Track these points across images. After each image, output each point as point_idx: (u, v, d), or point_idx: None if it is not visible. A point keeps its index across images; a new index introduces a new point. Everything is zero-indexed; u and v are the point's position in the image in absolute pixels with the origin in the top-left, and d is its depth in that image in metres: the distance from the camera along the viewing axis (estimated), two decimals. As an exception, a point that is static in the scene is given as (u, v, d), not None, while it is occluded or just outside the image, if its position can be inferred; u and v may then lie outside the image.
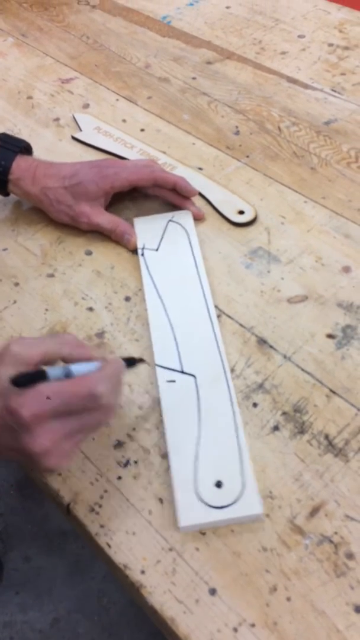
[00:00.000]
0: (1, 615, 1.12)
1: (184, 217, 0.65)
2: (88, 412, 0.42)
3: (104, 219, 0.63)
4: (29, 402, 0.39)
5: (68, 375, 0.42)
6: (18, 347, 0.42)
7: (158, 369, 0.52)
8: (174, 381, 0.51)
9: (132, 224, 0.64)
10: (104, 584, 1.15)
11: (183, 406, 0.50)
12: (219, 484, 0.45)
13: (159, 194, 0.66)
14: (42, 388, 0.40)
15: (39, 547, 1.20)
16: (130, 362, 0.48)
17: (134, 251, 0.63)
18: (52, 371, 0.41)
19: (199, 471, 0.46)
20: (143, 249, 0.62)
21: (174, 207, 0.66)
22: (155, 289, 0.58)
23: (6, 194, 0.66)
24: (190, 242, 0.62)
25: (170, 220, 0.64)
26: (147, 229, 0.64)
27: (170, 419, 0.49)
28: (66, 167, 0.64)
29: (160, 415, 0.50)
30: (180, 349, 0.53)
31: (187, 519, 0.44)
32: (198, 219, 0.65)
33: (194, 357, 0.53)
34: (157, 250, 0.61)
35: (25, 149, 0.67)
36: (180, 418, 0.49)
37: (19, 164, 0.64)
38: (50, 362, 0.43)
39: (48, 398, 0.40)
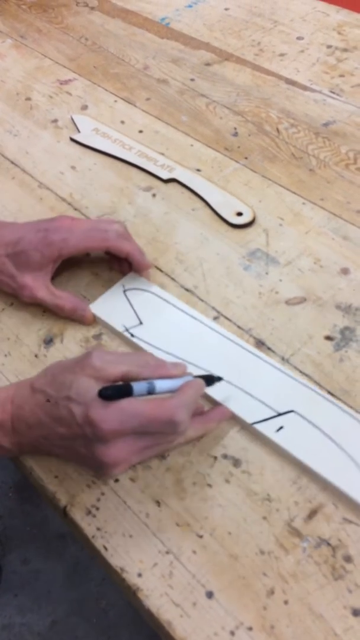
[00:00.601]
0: (0, 617, 1.12)
1: (135, 280, 0.59)
2: (163, 434, 0.44)
3: (47, 294, 0.56)
4: (111, 418, 0.41)
5: (151, 391, 0.43)
6: (100, 362, 0.43)
7: (259, 427, 0.48)
8: (282, 427, 0.48)
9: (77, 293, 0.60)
10: (103, 587, 1.15)
11: (312, 443, 0.47)
12: None
13: (110, 260, 0.61)
14: (125, 405, 0.41)
15: (38, 550, 1.20)
16: (209, 380, 0.49)
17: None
18: (137, 386, 0.42)
19: None
20: (127, 330, 0.55)
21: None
22: (179, 358, 0.53)
23: None
24: (163, 298, 0.58)
25: (124, 290, 0.58)
26: (111, 309, 0.57)
27: (316, 464, 0.46)
28: (10, 231, 0.57)
29: (305, 469, 0.47)
30: (257, 396, 0.50)
31: None
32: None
33: (274, 394, 0.50)
34: (141, 324, 0.55)
35: None
36: (321, 455, 0.46)
37: None
38: (129, 381, 0.44)
39: (130, 417, 0.41)
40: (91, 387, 0.42)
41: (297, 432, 0.48)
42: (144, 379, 0.44)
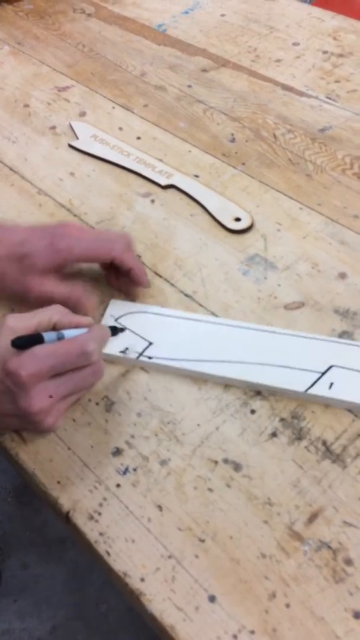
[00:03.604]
0: (0, 622, 1.12)
1: (120, 306, 0.58)
2: (80, 371, 0.46)
3: (54, 286, 0.55)
4: (27, 363, 0.43)
5: (61, 338, 0.46)
6: (13, 321, 0.45)
7: (313, 391, 0.50)
8: (333, 383, 0.51)
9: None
10: (103, 591, 1.15)
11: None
12: None
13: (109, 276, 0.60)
14: (38, 349, 0.44)
15: (37, 554, 1.20)
16: (113, 330, 0.53)
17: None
18: (47, 335, 0.45)
19: None
20: (142, 354, 0.54)
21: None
22: (204, 361, 0.53)
23: None
24: (157, 314, 0.57)
25: (116, 319, 0.57)
26: (113, 340, 0.55)
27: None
28: (16, 232, 0.56)
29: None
30: (294, 366, 0.52)
31: None
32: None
33: (308, 359, 0.52)
34: (151, 344, 0.54)
35: None
36: None
37: None
38: (44, 330, 0.46)
39: (44, 358, 0.43)
40: (6, 345, 0.44)
41: (347, 382, 0.50)
42: (55, 324, 0.47)
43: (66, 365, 0.45)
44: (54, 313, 0.47)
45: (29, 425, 0.47)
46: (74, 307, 0.54)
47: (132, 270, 0.57)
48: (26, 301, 0.55)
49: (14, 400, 0.44)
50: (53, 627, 1.11)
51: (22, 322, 0.46)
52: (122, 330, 0.55)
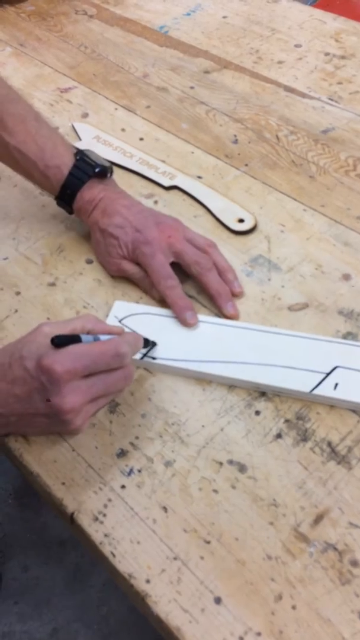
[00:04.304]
0: (0, 625, 1.12)
1: (124, 307, 0.59)
2: (112, 373, 0.46)
3: (130, 267, 0.60)
4: (62, 359, 0.43)
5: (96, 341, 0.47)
6: (49, 328, 0.46)
7: (318, 392, 0.50)
8: (337, 384, 0.51)
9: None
10: (104, 593, 1.14)
11: None
12: None
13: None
14: (73, 348, 0.44)
15: (38, 557, 1.20)
16: (146, 342, 0.53)
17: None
18: (85, 337, 0.46)
19: None
20: (146, 355, 0.54)
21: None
22: (208, 362, 0.53)
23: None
24: (160, 315, 0.57)
25: (120, 321, 0.57)
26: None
27: None
28: (122, 213, 0.60)
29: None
30: (299, 367, 0.52)
31: None
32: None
33: (312, 360, 0.52)
34: (155, 345, 0.54)
35: (100, 172, 0.63)
36: None
37: (83, 195, 0.62)
38: None
39: (79, 356, 0.44)
40: (42, 344, 0.45)
41: (352, 382, 0.50)
42: (88, 331, 0.48)
43: (99, 365, 0.45)
44: (86, 322, 0.48)
45: (57, 427, 0.47)
46: (144, 284, 0.60)
47: (212, 298, 0.59)
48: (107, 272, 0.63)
49: (46, 398, 0.44)
50: (54, 630, 1.11)
51: (56, 329, 0.46)
52: (154, 344, 0.54)
